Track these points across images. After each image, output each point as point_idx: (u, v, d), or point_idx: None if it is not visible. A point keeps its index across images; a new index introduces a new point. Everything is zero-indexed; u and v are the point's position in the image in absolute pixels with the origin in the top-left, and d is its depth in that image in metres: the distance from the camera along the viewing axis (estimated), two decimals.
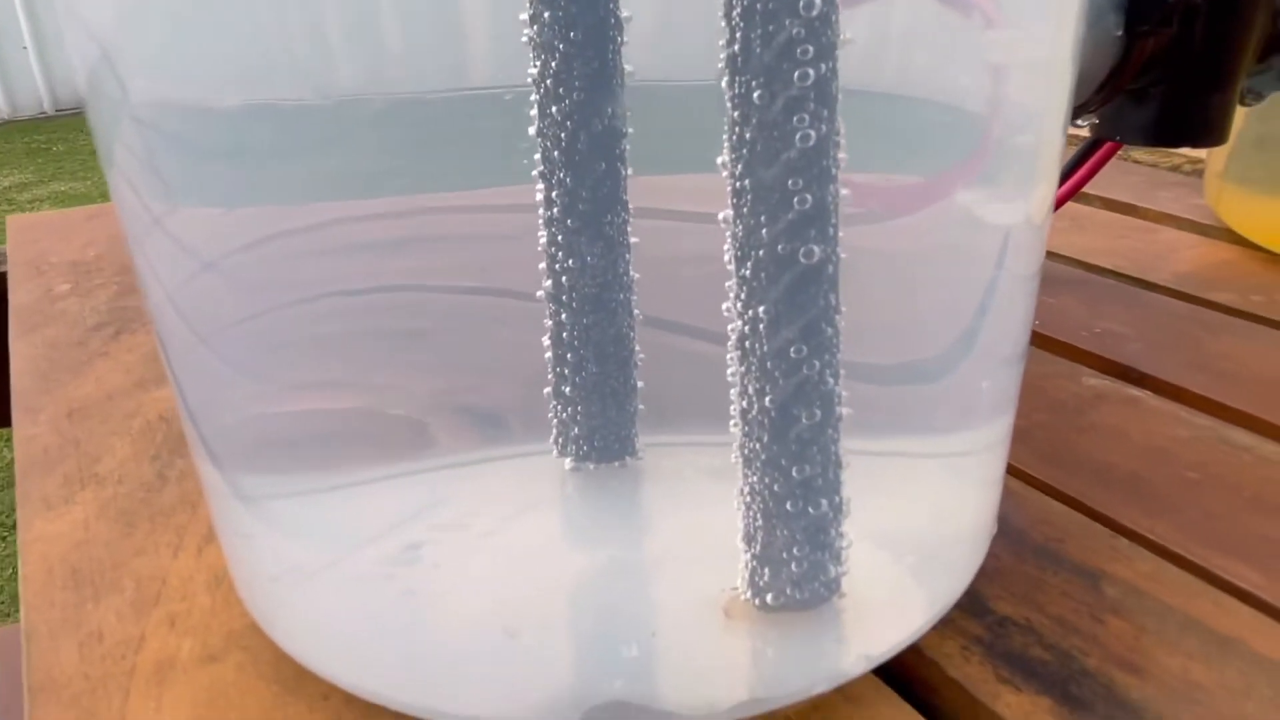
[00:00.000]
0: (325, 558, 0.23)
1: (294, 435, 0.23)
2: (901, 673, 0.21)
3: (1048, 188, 0.22)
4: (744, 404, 0.20)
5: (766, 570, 0.21)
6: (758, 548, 0.21)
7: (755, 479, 0.20)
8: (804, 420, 0.19)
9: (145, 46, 0.19)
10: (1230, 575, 0.23)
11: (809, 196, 0.18)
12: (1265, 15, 0.28)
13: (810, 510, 0.20)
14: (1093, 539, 0.25)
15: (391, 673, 0.21)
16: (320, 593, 0.23)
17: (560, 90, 0.20)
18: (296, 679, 0.21)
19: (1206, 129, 0.30)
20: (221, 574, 0.25)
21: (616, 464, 0.23)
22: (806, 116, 0.17)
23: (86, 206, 0.57)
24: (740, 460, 0.20)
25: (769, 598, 0.20)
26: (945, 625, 0.22)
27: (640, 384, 0.22)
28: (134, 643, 0.23)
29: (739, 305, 0.19)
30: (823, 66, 0.17)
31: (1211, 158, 0.46)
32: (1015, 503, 0.26)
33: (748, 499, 0.20)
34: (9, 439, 0.33)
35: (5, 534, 1.13)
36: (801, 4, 0.17)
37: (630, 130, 0.20)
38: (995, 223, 0.21)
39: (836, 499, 0.20)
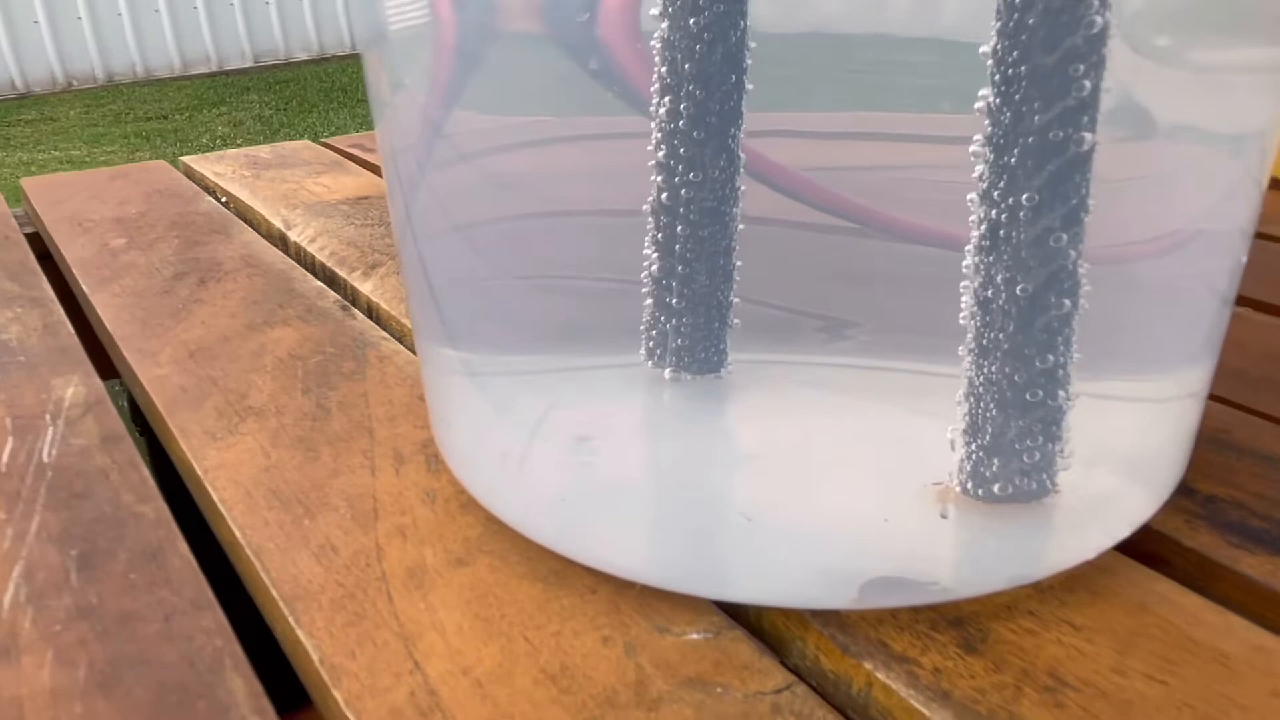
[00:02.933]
0: (521, 441, 0.24)
1: (509, 321, 0.24)
2: (1138, 548, 0.22)
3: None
4: (988, 293, 0.20)
5: (995, 461, 0.21)
6: (987, 439, 0.21)
7: (994, 369, 0.21)
8: (1053, 309, 0.20)
9: None
10: None
11: (1087, 83, 0.19)
12: None
13: (1049, 401, 0.20)
14: (1256, 429, 0.26)
15: (658, 558, 0.22)
16: (544, 483, 0.23)
17: (700, 2, 0.20)
18: (555, 575, 0.22)
19: None
20: (433, 490, 0.25)
21: (711, 376, 0.23)
22: (1095, 3, 0.18)
23: (106, 168, 0.55)
24: (974, 352, 0.21)
25: (995, 488, 0.21)
26: (1163, 506, 0.23)
27: (736, 300, 0.22)
28: (371, 553, 0.23)
29: (996, 193, 0.19)
30: None
31: None
32: None
33: (980, 390, 0.21)
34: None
35: None
36: None
37: (754, 45, 0.20)
38: (1249, 194, 0.22)
39: (1070, 391, 0.20)
